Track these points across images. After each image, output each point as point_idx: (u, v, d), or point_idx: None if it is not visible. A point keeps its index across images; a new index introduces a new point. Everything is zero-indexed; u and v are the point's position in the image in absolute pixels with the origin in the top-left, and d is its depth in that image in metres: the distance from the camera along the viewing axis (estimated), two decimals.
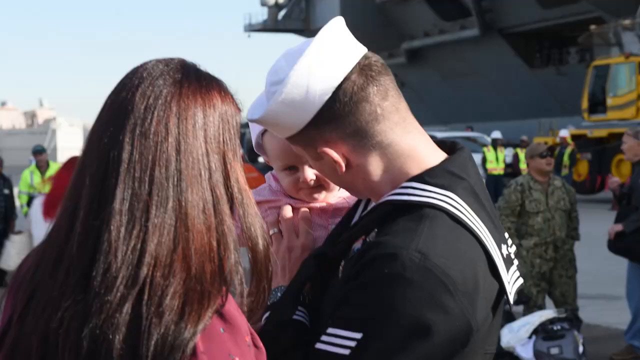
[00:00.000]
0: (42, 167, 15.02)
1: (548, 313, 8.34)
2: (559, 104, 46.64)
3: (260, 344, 1.61)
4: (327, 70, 1.83)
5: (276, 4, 63.28)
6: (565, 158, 26.38)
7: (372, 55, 1.91)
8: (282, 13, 63.52)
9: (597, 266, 12.62)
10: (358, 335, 1.72)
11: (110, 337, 1.45)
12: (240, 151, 1.67)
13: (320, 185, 2.23)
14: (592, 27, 37.19)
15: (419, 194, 1.83)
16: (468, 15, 51.59)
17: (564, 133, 28.07)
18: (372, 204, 2.01)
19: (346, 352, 1.72)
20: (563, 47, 50.67)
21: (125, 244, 1.49)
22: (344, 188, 2.06)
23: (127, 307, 1.46)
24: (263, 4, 63.63)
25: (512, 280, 1.89)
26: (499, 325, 1.93)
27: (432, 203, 1.81)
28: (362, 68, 1.86)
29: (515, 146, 28.54)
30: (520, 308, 8.72)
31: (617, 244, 8.56)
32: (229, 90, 1.69)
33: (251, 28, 65.09)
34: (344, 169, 1.90)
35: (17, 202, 15.15)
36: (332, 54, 1.85)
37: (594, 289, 11.47)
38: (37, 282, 1.57)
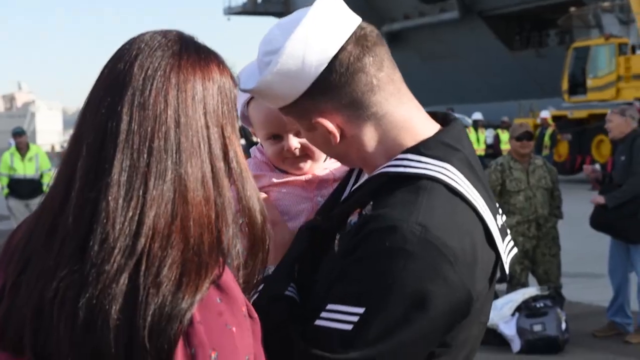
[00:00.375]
0: (22, 149, 14.97)
1: (531, 291, 8.41)
2: (539, 86, 46.71)
3: (255, 315, 1.60)
4: (323, 41, 1.82)
5: None
6: (546, 139, 26.48)
7: (367, 26, 1.90)
8: None
9: (578, 245, 12.67)
10: (360, 310, 1.71)
11: (107, 307, 1.44)
12: (237, 124, 1.66)
13: (305, 155, 2.22)
14: (572, 9, 37.29)
15: (415, 165, 1.82)
16: None
17: (545, 114, 28.17)
18: (364, 176, 2.00)
19: (348, 327, 1.71)
20: (543, 29, 50.74)
21: (123, 214, 1.48)
22: (335, 158, 2.05)
23: (124, 278, 1.45)
24: None
25: (507, 250, 1.91)
26: (492, 295, 1.94)
27: (428, 175, 1.81)
28: (358, 38, 1.85)
29: (495, 127, 28.62)
30: (503, 286, 8.75)
31: (599, 220, 8.61)
32: (227, 64, 1.68)
33: (231, 11, 64.83)
34: (338, 139, 1.88)
35: None
36: (328, 24, 1.83)
37: (576, 267, 11.51)
38: (30, 252, 1.56)
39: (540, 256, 8.77)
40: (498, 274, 1.91)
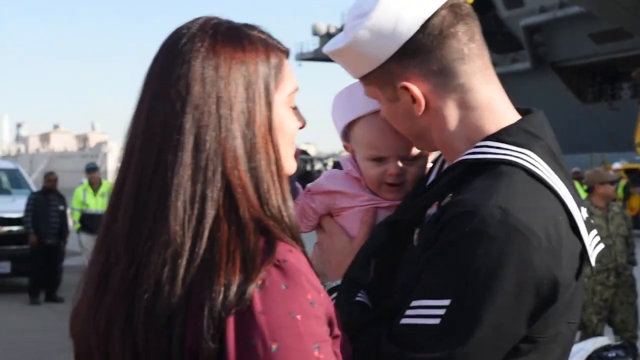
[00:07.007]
0: (94, 184, 15.17)
1: (602, 340, 8.21)
2: (611, 139, 46.22)
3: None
4: (419, 2, 1.80)
5: (327, 34, 63.78)
6: (619, 191, 26.02)
7: None
8: None
9: None
10: (446, 302, 1.65)
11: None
12: (276, 97, 1.64)
13: (403, 182, 2.14)
14: None
15: (494, 152, 1.78)
16: (520, 48, 51.46)
17: (617, 166, 27.79)
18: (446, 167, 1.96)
19: (436, 321, 1.65)
20: (615, 82, 50.32)
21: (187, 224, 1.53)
22: (414, 137, 1.95)
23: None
24: (315, 33, 64.18)
25: (593, 244, 1.82)
26: (581, 296, 1.85)
27: (507, 160, 1.76)
28: (452, 6, 1.83)
29: None
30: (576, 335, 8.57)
31: None
32: (262, 42, 1.65)
33: (302, 57, 65.59)
34: (422, 108, 1.84)
35: (70, 220, 15.30)
36: None
37: None
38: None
39: (618, 304, 8.60)
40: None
